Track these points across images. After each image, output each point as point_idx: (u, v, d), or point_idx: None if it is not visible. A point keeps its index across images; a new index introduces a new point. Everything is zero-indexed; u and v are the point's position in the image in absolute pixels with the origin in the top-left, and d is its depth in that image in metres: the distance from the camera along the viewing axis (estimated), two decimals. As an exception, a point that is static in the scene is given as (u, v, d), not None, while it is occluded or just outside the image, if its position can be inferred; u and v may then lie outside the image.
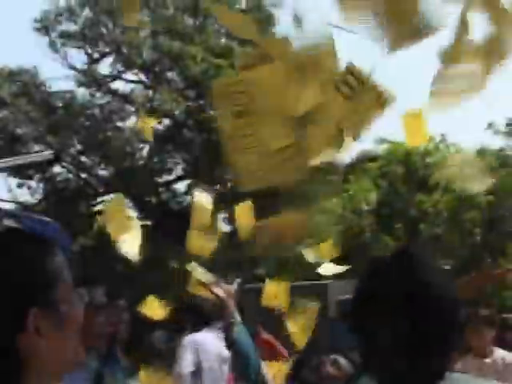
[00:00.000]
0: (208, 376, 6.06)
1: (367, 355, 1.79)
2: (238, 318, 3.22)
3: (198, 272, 3.49)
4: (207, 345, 6.09)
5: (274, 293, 4.90)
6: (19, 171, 24.14)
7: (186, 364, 5.99)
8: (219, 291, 3.27)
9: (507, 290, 18.43)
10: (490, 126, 20.51)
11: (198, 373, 6.00)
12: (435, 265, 1.82)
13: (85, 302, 2.84)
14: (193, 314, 6.25)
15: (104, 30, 25.82)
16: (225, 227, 25.60)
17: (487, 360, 5.21)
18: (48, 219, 4.43)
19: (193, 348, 6.05)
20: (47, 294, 1.32)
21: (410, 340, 1.69)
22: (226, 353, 6.15)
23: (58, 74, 31.48)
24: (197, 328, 6.20)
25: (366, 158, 20.97)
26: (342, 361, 3.28)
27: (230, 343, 3.19)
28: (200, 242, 4.44)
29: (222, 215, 25.45)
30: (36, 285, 1.31)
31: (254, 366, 3.10)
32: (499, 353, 5.25)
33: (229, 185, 23.58)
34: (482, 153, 19.98)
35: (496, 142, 20.79)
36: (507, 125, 20.53)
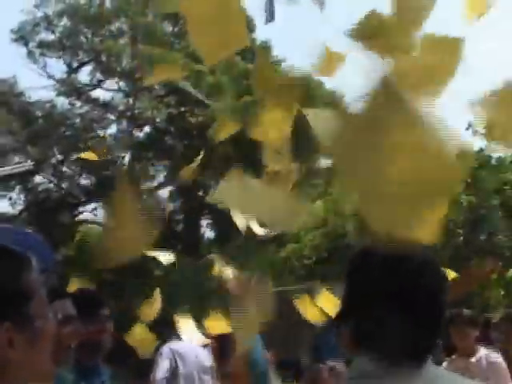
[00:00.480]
0: (184, 383, 6.07)
1: (357, 338, 1.83)
2: None
3: (220, 265, 3.43)
4: (185, 352, 6.12)
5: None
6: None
7: (161, 370, 6.02)
8: (236, 287, 3.20)
9: (490, 289, 18.53)
10: (469, 126, 20.62)
11: (174, 380, 6.02)
12: (418, 254, 1.86)
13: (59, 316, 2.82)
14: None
15: (83, 39, 25.78)
16: (209, 233, 25.66)
17: (472, 359, 5.26)
18: (30, 230, 4.43)
19: (170, 355, 6.08)
20: (21, 308, 1.34)
21: (395, 330, 1.73)
22: (209, 362, 6.17)
23: (37, 83, 31.45)
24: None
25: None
26: (340, 367, 3.28)
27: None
28: None
29: (205, 221, 25.49)
30: (10, 300, 1.33)
31: (262, 375, 3.09)
32: (482, 351, 5.32)
33: (211, 191, 23.53)
34: (461, 153, 20.06)
35: (476, 143, 20.96)
36: (486, 126, 20.66)
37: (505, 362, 5.29)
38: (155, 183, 26.34)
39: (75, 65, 26.18)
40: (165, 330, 6.41)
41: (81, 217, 26.45)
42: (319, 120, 2.32)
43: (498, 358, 5.26)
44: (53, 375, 1.44)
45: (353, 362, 1.86)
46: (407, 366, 1.74)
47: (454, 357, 5.40)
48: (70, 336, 2.85)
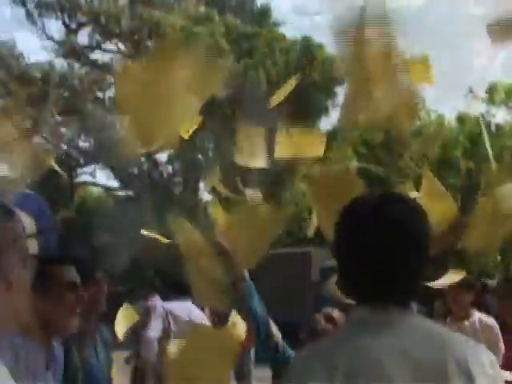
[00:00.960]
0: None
1: (345, 286, 1.92)
2: (246, 274, 3.20)
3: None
4: (178, 312, 6.17)
5: None
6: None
7: (154, 329, 6.08)
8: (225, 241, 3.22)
9: (486, 256, 18.62)
10: (470, 91, 20.56)
11: (166, 340, 6.08)
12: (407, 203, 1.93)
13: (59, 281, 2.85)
14: (175, 283, 6.30)
15: (81, 0, 25.55)
16: (207, 196, 25.66)
17: (466, 323, 5.33)
18: (29, 191, 4.41)
19: (163, 314, 6.14)
20: None
21: (378, 277, 1.81)
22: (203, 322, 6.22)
23: (35, 45, 31.24)
24: (175, 297, 6.26)
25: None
26: (336, 313, 3.32)
27: (239, 301, 3.17)
28: None
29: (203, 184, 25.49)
30: None
31: (262, 324, 3.11)
32: (476, 315, 5.40)
33: (210, 154, 23.54)
34: (461, 119, 20.03)
35: (476, 109, 20.86)
36: (487, 91, 20.59)
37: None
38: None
39: (74, 26, 25.99)
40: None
41: (79, 179, 26.49)
42: None
43: (491, 320, 5.34)
44: (21, 324, 1.51)
45: (349, 309, 1.93)
46: (393, 314, 1.82)
47: (448, 320, 5.47)
48: (75, 303, 2.88)
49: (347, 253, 1.90)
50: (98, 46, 26.27)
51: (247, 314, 3.19)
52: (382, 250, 1.82)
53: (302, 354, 2.00)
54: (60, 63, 25.85)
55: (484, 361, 1.79)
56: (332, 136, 21.42)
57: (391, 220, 1.86)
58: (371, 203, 1.90)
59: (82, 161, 25.93)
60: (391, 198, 1.95)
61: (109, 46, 26.24)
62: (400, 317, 1.85)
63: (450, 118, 20.90)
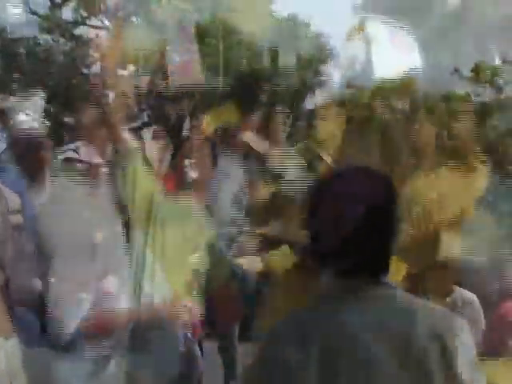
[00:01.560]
0: None
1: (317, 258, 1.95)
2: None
3: None
4: None
5: None
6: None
7: None
8: None
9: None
10: (456, 71, 20.52)
11: None
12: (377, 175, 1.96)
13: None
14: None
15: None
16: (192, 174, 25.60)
17: (448, 299, 5.39)
18: (14, 168, 4.40)
19: None
20: None
21: (347, 249, 1.84)
22: None
23: (19, 19, 30.86)
24: None
25: (332, 103, 20.95)
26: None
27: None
28: None
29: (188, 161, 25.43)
30: None
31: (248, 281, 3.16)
32: (458, 291, 5.45)
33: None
34: (447, 98, 20.01)
35: (462, 88, 20.82)
36: (472, 70, 20.56)
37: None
38: (139, 122, 26.18)
39: (59, 1, 25.73)
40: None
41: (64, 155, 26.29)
42: None
43: (473, 296, 5.40)
44: None
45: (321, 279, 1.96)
46: (367, 287, 1.85)
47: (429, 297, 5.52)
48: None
49: (317, 226, 1.92)
50: (83, 22, 26.03)
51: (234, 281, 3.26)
52: (351, 223, 1.84)
53: (281, 321, 2.03)
54: (45, 38, 25.61)
55: (458, 331, 1.83)
56: (318, 115, 21.38)
57: (361, 192, 1.88)
58: (339, 177, 1.92)
59: (66, 137, 25.79)
60: (359, 171, 1.98)
61: (94, 21, 26.00)
62: (374, 289, 1.87)
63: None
